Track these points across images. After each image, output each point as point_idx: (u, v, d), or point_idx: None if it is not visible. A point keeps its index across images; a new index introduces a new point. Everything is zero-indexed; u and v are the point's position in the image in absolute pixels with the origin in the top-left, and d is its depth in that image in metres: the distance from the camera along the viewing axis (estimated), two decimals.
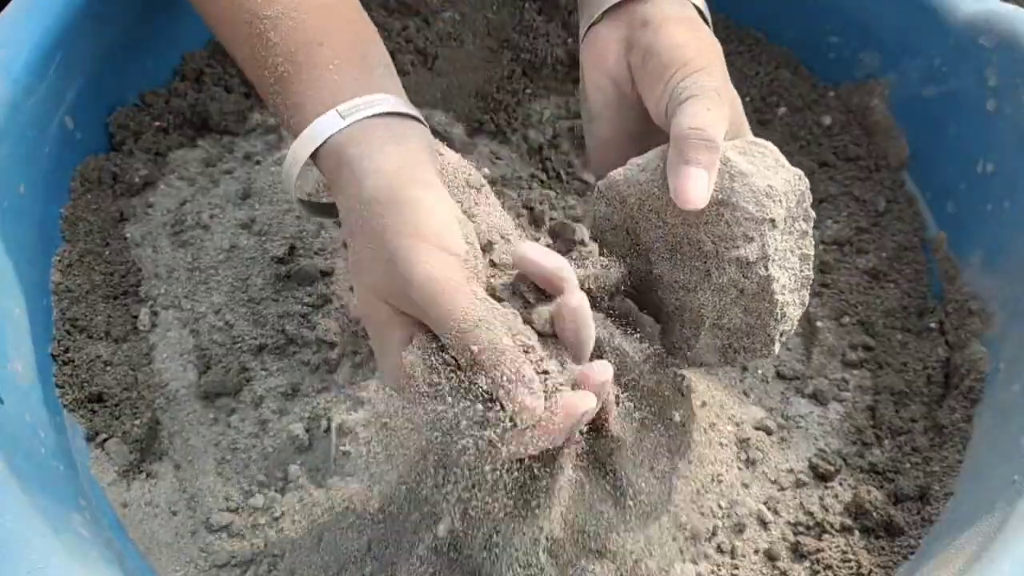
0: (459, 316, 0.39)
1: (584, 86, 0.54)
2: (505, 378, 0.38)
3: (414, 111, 0.49)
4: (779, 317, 0.48)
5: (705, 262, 0.47)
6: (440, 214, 0.43)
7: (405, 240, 0.41)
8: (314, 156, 0.47)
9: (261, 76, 0.50)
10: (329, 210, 0.52)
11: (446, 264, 0.41)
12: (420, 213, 0.42)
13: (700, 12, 0.53)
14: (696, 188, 0.44)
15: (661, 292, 0.50)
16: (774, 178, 0.46)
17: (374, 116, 0.47)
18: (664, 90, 0.48)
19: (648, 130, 0.52)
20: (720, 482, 0.53)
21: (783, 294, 0.47)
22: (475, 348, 0.38)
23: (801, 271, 0.49)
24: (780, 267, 0.47)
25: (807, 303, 0.49)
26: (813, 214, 0.49)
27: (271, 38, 0.49)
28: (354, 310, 0.45)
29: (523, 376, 0.38)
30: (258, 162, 0.65)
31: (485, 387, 0.38)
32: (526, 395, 0.37)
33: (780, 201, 0.46)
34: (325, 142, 0.46)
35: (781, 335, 0.49)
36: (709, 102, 0.46)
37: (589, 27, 0.54)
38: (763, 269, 0.46)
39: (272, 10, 0.49)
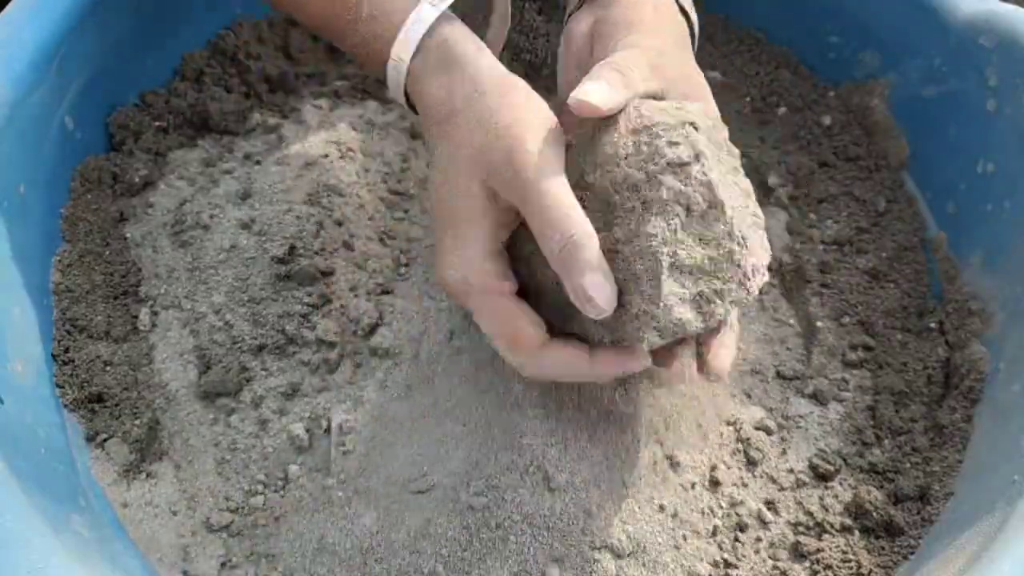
0: (558, 198, 0.41)
1: (559, 67, 0.54)
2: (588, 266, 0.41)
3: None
4: (741, 241, 0.43)
5: (638, 191, 0.43)
6: (544, 110, 0.44)
7: (522, 128, 0.42)
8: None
9: (338, 17, 0.49)
10: None
11: (550, 153, 0.42)
12: (531, 105, 0.44)
13: (680, 5, 0.53)
14: (594, 91, 0.43)
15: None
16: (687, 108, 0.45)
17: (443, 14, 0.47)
18: (605, 52, 0.48)
19: None
20: (718, 482, 0.53)
21: (735, 213, 0.43)
22: (567, 233, 0.40)
23: (747, 207, 0.45)
24: (721, 179, 0.43)
25: (769, 250, 0.46)
26: (736, 151, 0.47)
27: None
28: (434, 196, 0.45)
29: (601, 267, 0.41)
30: (258, 162, 0.65)
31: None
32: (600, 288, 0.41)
33: (695, 115, 0.44)
34: (426, 34, 0.47)
35: (753, 271, 0.44)
36: (636, 53, 0.46)
37: (569, 15, 0.54)
38: (701, 173, 0.42)
39: None
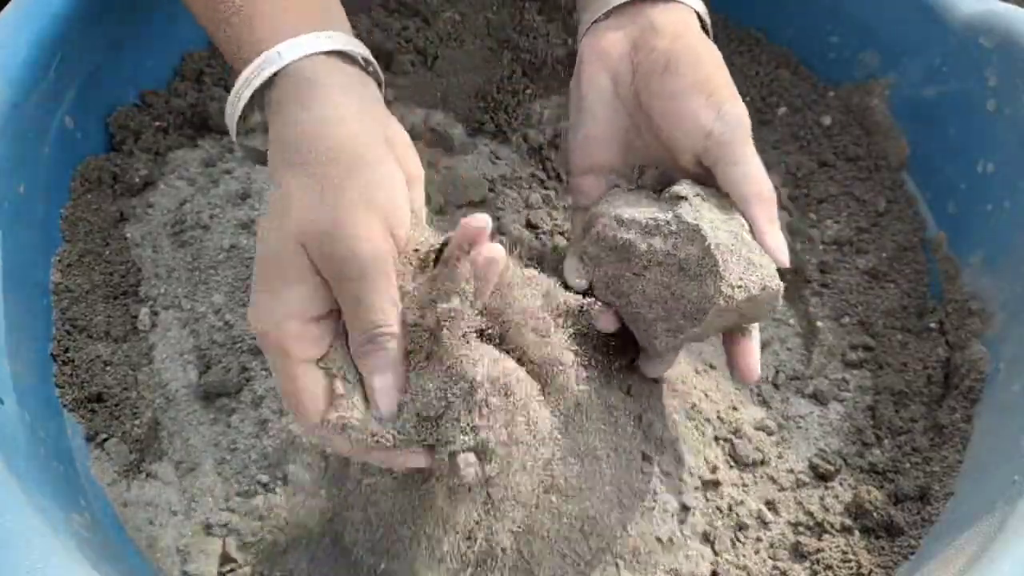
0: (371, 292, 0.40)
1: (579, 81, 0.54)
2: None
3: (368, 55, 0.48)
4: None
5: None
6: (396, 186, 0.43)
7: (359, 209, 0.41)
8: (259, 92, 0.45)
9: (215, 11, 0.47)
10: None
11: (386, 249, 0.41)
12: (377, 181, 0.42)
13: (701, 21, 0.54)
14: (782, 249, 0.49)
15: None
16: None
17: (329, 53, 0.45)
18: (696, 119, 0.49)
19: (634, 127, 0.52)
20: (718, 483, 0.53)
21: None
22: (371, 330, 0.40)
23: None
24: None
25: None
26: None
27: None
28: (260, 240, 0.43)
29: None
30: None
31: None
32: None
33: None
34: (276, 73, 0.44)
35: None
36: (751, 151, 0.49)
37: (592, 23, 0.54)
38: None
39: None
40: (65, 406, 0.53)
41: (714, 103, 0.49)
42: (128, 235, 0.61)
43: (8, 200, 0.53)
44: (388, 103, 0.70)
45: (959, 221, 0.64)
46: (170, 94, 0.67)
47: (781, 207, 0.68)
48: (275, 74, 0.44)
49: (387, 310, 0.41)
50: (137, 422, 0.53)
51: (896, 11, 0.67)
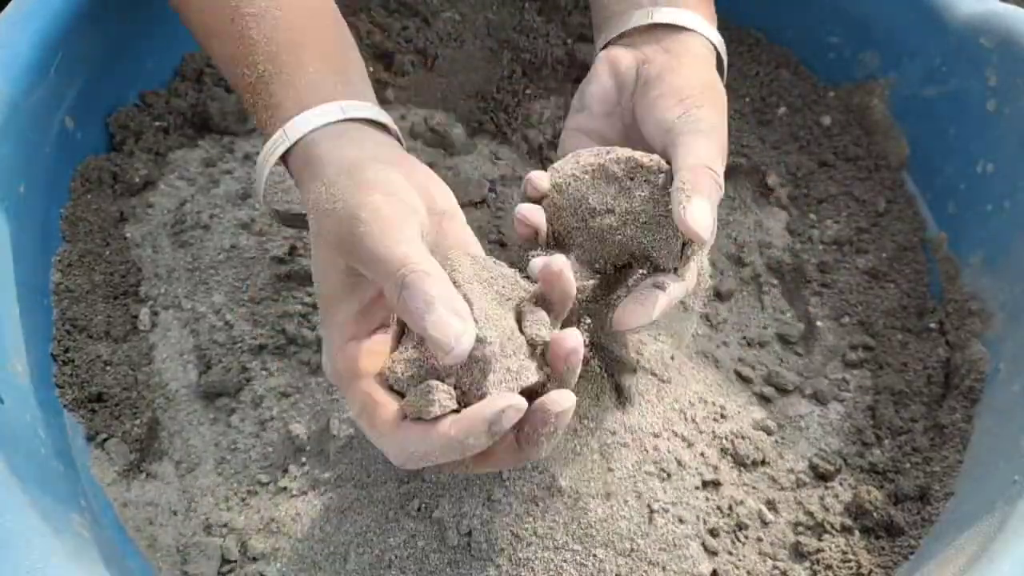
0: (393, 249, 0.39)
1: (587, 82, 0.55)
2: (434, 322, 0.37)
3: (392, 124, 0.49)
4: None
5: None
6: (403, 189, 0.43)
7: (365, 192, 0.42)
8: (286, 158, 0.47)
9: (240, 76, 0.50)
10: (302, 221, 0.51)
11: (395, 205, 0.41)
12: (381, 181, 0.43)
13: (719, 58, 0.55)
14: (705, 218, 0.44)
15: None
16: None
17: (352, 120, 0.47)
18: (665, 115, 0.49)
19: (626, 135, 0.53)
20: (718, 483, 0.53)
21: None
22: (399, 276, 0.38)
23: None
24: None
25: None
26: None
27: (253, 36, 0.49)
28: (315, 277, 0.44)
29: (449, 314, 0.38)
30: None
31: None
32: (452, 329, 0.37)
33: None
34: (299, 141, 0.46)
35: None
36: (708, 144, 0.47)
37: (608, 43, 0.55)
38: None
39: (254, 7, 0.49)
40: (65, 406, 0.53)
41: (685, 105, 0.48)
42: (128, 235, 0.61)
43: (8, 200, 0.53)
44: (388, 103, 0.71)
45: (959, 221, 0.64)
46: (170, 94, 0.67)
47: (781, 207, 0.68)
48: (294, 144, 0.46)
49: (404, 251, 0.39)
50: (137, 422, 0.53)
51: (896, 11, 0.67)
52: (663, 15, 0.53)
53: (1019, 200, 0.59)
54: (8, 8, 0.57)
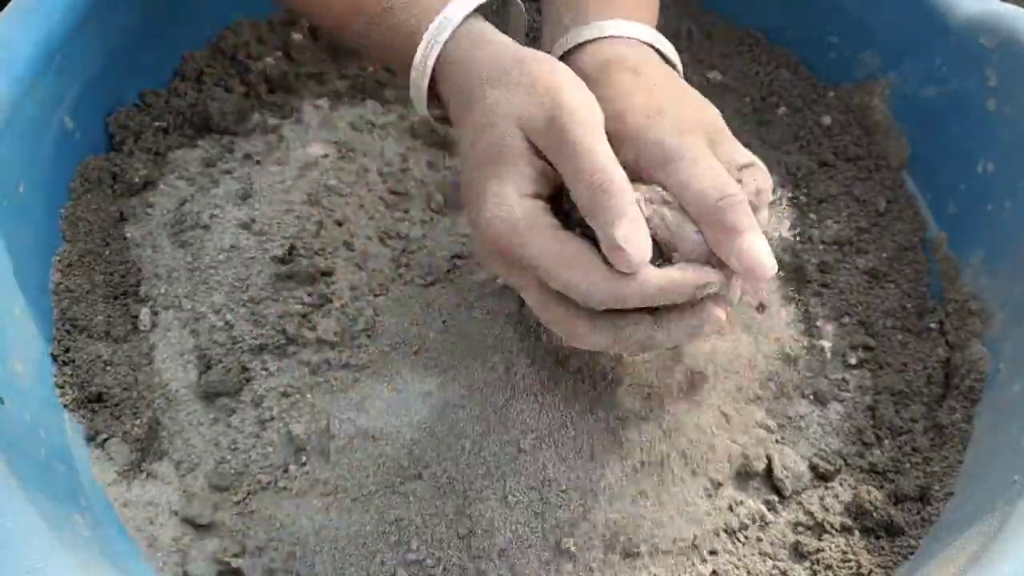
0: (594, 153, 0.40)
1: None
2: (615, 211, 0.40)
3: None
4: None
5: None
6: (581, 86, 0.45)
7: (559, 92, 0.43)
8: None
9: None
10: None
11: (589, 117, 0.42)
12: (570, 77, 0.45)
13: (663, 55, 0.53)
14: (764, 253, 0.41)
15: None
16: None
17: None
18: (628, 150, 0.45)
19: None
20: (719, 483, 0.53)
21: None
22: (600, 178, 0.40)
23: None
24: None
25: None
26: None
27: None
28: (473, 146, 0.45)
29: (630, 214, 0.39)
30: (258, 162, 0.65)
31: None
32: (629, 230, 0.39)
33: None
34: (460, 26, 0.48)
35: None
36: (692, 155, 0.43)
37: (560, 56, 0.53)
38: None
39: None
40: (65, 406, 0.53)
41: (644, 126, 0.45)
42: (128, 235, 0.61)
43: (8, 200, 0.53)
44: (388, 103, 0.71)
45: (959, 221, 0.64)
46: (170, 94, 0.67)
47: (781, 207, 0.68)
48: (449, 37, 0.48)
49: (608, 165, 0.41)
50: (137, 422, 0.53)
51: (896, 11, 0.67)
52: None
53: (1019, 200, 0.59)
54: (8, 8, 0.57)
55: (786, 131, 0.72)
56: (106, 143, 0.64)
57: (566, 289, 0.41)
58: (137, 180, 0.62)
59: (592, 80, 0.47)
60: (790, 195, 0.69)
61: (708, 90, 0.61)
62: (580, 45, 0.52)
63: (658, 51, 0.52)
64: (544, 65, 0.45)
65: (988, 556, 0.42)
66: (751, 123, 0.73)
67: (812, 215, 0.68)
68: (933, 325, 0.62)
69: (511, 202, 0.42)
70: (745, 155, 0.46)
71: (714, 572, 0.50)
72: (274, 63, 0.71)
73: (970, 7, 0.62)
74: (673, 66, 0.53)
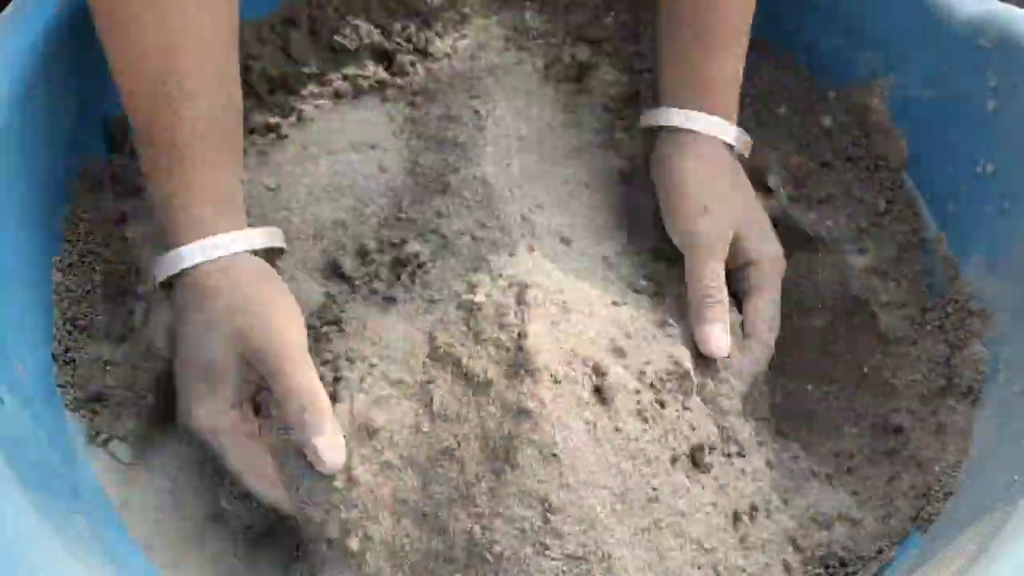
0: (303, 374, 0.48)
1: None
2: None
3: (277, 242, 0.56)
4: None
5: None
6: (290, 301, 0.52)
7: (272, 316, 0.50)
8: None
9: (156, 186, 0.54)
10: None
11: (296, 337, 0.50)
12: (280, 296, 0.52)
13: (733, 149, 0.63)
14: (719, 340, 0.54)
15: None
16: None
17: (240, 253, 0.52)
18: (672, 229, 0.60)
19: None
20: (720, 484, 0.53)
21: None
22: (307, 400, 0.47)
23: None
24: None
25: None
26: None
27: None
28: (187, 353, 0.51)
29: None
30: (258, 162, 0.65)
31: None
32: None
33: None
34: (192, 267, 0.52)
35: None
36: (702, 254, 0.57)
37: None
38: None
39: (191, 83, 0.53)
40: (66, 406, 0.53)
41: (685, 214, 0.59)
42: (128, 235, 0.61)
43: (8, 200, 0.53)
44: (388, 103, 0.71)
45: (959, 221, 0.64)
46: None
47: (781, 207, 0.68)
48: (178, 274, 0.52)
49: (310, 378, 0.48)
50: (137, 422, 0.53)
51: (896, 11, 0.67)
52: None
53: (1019, 200, 0.59)
54: (8, 8, 0.57)
55: (786, 131, 0.72)
56: (106, 143, 0.64)
57: (250, 490, 0.49)
58: (137, 180, 0.62)
59: (663, 156, 0.62)
60: (790, 195, 0.69)
61: None
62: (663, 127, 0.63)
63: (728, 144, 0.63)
64: (260, 288, 0.52)
65: (988, 556, 0.42)
66: (751, 123, 0.73)
67: (812, 215, 0.68)
68: (933, 325, 0.62)
69: (217, 414, 0.49)
70: (769, 240, 0.62)
71: (714, 570, 0.50)
72: (274, 63, 0.70)
73: (970, 7, 0.62)
74: (740, 154, 0.64)
